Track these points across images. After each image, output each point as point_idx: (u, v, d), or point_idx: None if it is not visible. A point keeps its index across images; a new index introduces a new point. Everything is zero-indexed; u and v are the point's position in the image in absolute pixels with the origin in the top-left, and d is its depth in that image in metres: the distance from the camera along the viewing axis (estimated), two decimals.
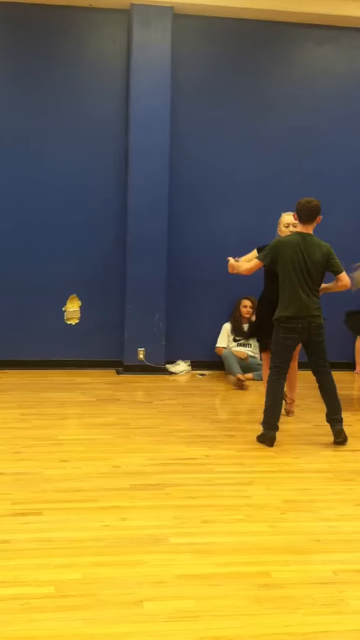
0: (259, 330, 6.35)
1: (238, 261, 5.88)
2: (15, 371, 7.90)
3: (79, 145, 8.18)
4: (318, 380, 5.57)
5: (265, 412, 5.42)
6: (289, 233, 5.90)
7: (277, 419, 5.43)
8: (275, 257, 5.50)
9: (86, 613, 2.88)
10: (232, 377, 7.72)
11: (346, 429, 5.81)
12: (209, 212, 8.43)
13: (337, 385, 5.61)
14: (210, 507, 4.10)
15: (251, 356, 8.12)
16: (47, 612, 2.88)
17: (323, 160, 8.54)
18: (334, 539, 3.72)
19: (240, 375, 7.60)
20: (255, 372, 7.99)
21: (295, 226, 5.92)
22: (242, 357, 8.04)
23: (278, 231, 6.18)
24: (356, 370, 8.50)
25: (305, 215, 5.48)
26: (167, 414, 6.34)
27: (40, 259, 8.16)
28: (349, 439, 5.59)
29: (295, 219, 5.59)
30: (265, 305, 6.07)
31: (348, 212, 8.60)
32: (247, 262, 5.84)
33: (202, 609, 2.93)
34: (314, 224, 5.53)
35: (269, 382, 5.54)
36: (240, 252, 8.37)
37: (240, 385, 7.50)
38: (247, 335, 7.86)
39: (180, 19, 8.08)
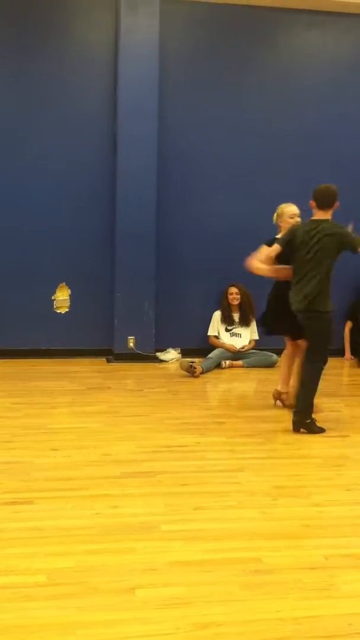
0: (277, 323, 6.08)
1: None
2: (4, 360, 7.88)
3: (67, 133, 8.13)
4: None
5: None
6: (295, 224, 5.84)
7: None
8: (287, 242, 5.51)
9: (78, 601, 2.88)
10: (184, 362, 7.59)
11: (335, 414, 5.85)
12: (198, 199, 8.42)
13: (327, 371, 5.63)
14: (201, 493, 4.11)
15: (240, 349, 8.11)
16: (39, 601, 2.88)
17: (311, 147, 8.53)
18: (325, 524, 3.74)
19: (193, 362, 7.50)
20: (245, 360, 8.01)
21: (299, 216, 5.94)
22: (232, 351, 8.06)
23: (280, 223, 6.07)
24: (345, 357, 8.53)
25: (326, 201, 5.48)
26: (158, 402, 6.34)
27: (29, 248, 8.13)
28: (338, 424, 5.62)
29: (313, 207, 5.52)
30: (282, 296, 5.78)
31: None
32: (264, 255, 5.72)
33: (193, 596, 2.94)
34: (332, 210, 5.50)
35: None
36: (228, 239, 8.41)
37: (191, 372, 7.44)
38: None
39: (168, 5, 8.02)
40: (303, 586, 3.05)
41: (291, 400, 5.89)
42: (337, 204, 5.51)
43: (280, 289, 5.84)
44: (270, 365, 7.98)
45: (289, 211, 6.06)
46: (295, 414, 5.44)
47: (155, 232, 8.13)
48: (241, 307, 8.24)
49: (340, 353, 8.53)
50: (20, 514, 3.78)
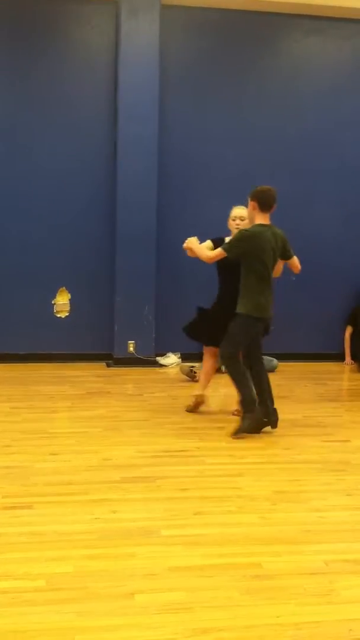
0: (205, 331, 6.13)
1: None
2: (4, 364, 7.87)
3: (67, 137, 8.13)
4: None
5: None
6: (236, 226, 5.82)
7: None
8: (244, 250, 5.39)
9: (77, 606, 2.87)
10: (184, 367, 7.62)
11: (336, 419, 5.85)
12: (198, 203, 8.42)
13: (328, 376, 5.63)
14: (201, 498, 4.10)
15: None
16: (38, 606, 2.87)
17: (311, 152, 8.54)
18: (325, 529, 3.73)
19: (193, 367, 7.51)
20: None
21: (243, 219, 5.84)
22: None
23: (228, 224, 6.07)
24: (345, 361, 8.52)
25: (268, 203, 5.38)
26: (158, 407, 6.33)
27: (29, 252, 8.13)
28: (339, 430, 5.62)
29: (254, 208, 5.43)
30: (227, 305, 5.71)
31: (335, 204, 8.62)
32: (210, 250, 5.73)
33: (193, 601, 2.93)
34: (271, 213, 5.46)
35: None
36: None
37: (192, 377, 7.44)
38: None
39: (168, 10, 8.04)
40: (303, 591, 3.04)
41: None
42: (275, 206, 5.45)
43: (225, 301, 5.82)
44: (271, 369, 7.96)
45: (232, 213, 6.03)
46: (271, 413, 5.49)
47: (155, 236, 8.13)
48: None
49: (340, 358, 8.53)
50: (20, 518, 3.77)
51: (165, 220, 8.24)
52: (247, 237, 5.42)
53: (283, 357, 8.24)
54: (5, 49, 7.97)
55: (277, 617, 2.83)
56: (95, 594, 2.97)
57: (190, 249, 5.83)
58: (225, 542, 3.52)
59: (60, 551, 3.37)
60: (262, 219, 5.44)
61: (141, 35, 7.93)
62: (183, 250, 6.01)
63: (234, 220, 5.96)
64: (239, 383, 5.49)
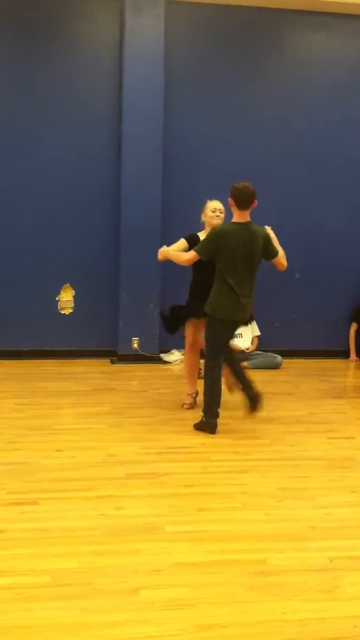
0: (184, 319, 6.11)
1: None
2: (9, 361, 7.88)
3: (72, 133, 8.12)
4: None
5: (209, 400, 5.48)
6: (216, 218, 5.82)
7: (218, 406, 5.48)
8: (215, 250, 5.36)
9: (82, 602, 2.88)
10: None
11: (341, 416, 5.84)
12: (203, 200, 8.35)
13: (333, 373, 5.63)
14: (206, 495, 4.10)
15: (245, 349, 8.11)
16: (43, 602, 2.88)
17: (317, 148, 8.51)
18: (329, 526, 3.73)
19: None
20: (250, 361, 8.00)
21: (222, 212, 5.85)
22: (237, 351, 8.05)
23: (203, 217, 6.05)
24: (350, 358, 8.51)
25: (245, 200, 5.33)
26: (162, 403, 6.33)
27: (33, 248, 8.12)
28: (344, 427, 5.61)
29: (231, 205, 5.41)
30: (198, 297, 5.74)
31: (340, 200, 8.60)
32: (185, 253, 5.69)
33: (198, 597, 2.94)
34: (250, 210, 5.41)
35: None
36: None
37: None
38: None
39: (173, 6, 8.01)
40: (308, 588, 3.04)
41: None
42: (255, 202, 5.40)
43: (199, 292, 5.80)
44: (276, 366, 7.97)
45: (211, 205, 6.01)
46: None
47: (160, 232, 8.12)
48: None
49: (345, 355, 8.52)
50: (25, 514, 3.78)
51: (170, 217, 8.22)
52: (217, 237, 5.38)
53: (287, 353, 8.23)
54: (9, 46, 7.96)
55: (282, 613, 2.84)
56: (100, 590, 2.97)
57: (162, 253, 5.83)
58: (229, 539, 3.53)
59: (65, 547, 3.38)
60: (239, 217, 5.40)
61: (146, 31, 7.91)
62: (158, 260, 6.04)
63: (213, 212, 5.94)
64: (208, 392, 5.47)
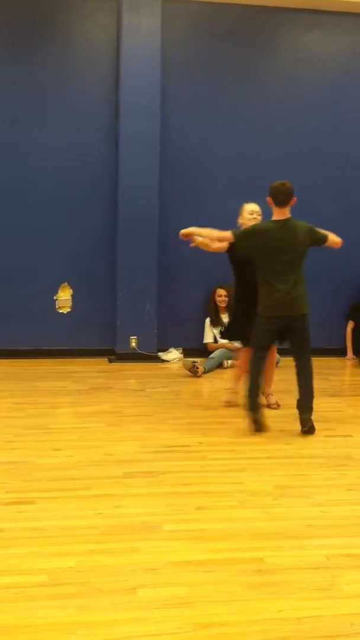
0: (239, 331, 6.11)
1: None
2: (7, 360, 7.88)
3: (69, 133, 8.13)
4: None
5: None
6: (253, 221, 5.83)
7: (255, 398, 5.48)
8: (251, 245, 5.40)
9: (80, 601, 2.88)
10: (186, 362, 7.60)
11: (338, 414, 5.84)
12: (200, 199, 8.41)
13: (330, 371, 5.63)
14: (204, 493, 4.10)
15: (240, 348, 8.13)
16: (41, 601, 2.88)
17: (313, 146, 8.52)
18: (327, 524, 3.73)
19: (195, 362, 7.50)
20: None
21: (260, 215, 5.88)
22: (234, 350, 8.06)
23: (240, 220, 6.04)
24: (347, 356, 8.52)
25: (281, 197, 5.35)
26: (160, 402, 6.34)
27: (31, 247, 8.13)
28: (341, 425, 5.62)
29: (270, 203, 5.43)
30: (245, 301, 5.83)
31: (336, 198, 8.61)
32: (219, 231, 5.67)
33: (195, 595, 2.94)
34: (289, 207, 5.42)
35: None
36: None
37: (194, 372, 7.44)
38: (225, 337, 7.19)
39: (169, 5, 8.02)
40: (305, 586, 3.05)
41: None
42: (294, 199, 5.41)
43: (243, 297, 5.86)
44: None
45: (248, 208, 6.02)
46: (308, 415, 5.41)
47: (157, 231, 8.13)
48: (228, 308, 8.26)
49: (342, 353, 8.53)
50: (23, 513, 3.78)
51: (168, 216, 8.22)
52: (254, 232, 5.46)
53: (285, 352, 8.22)
54: (6, 44, 7.96)
55: (279, 611, 2.84)
56: (98, 589, 2.97)
57: (191, 234, 5.72)
58: (227, 537, 3.53)
59: (62, 546, 3.38)
60: (277, 214, 5.42)
61: (142, 29, 7.91)
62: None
63: (251, 214, 5.94)
64: (248, 384, 5.48)
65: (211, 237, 5.69)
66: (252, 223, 5.81)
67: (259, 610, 2.85)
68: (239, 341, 6.28)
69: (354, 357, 8.51)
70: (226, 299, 8.21)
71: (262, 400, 6.05)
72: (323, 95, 8.54)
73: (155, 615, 2.79)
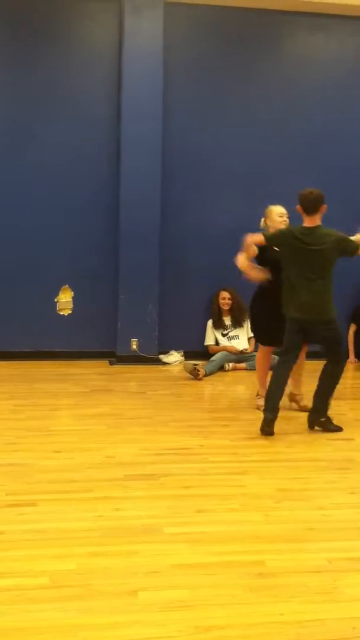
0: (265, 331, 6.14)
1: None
2: (7, 362, 7.87)
3: (71, 134, 8.13)
4: None
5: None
6: (283, 223, 5.87)
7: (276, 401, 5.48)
8: (279, 244, 5.47)
9: (80, 603, 2.87)
10: (187, 365, 7.57)
11: (339, 417, 5.82)
12: (202, 201, 8.41)
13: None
14: (205, 496, 4.09)
15: (243, 350, 8.12)
16: (42, 603, 2.87)
17: (316, 148, 8.52)
18: (328, 528, 3.72)
19: (196, 365, 7.47)
20: (248, 362, 7.99)
21: (287, 217, 5.93)
22: (235, 352, 8.06)
23: (268, 222, 6.04)
24: (349, 359, 8.50)
25: (310, 205, 5.38)
26: (161, 404, 6.33)
27: (32, 249, 8.12)
28: (343, 427, 5.60)
29: (300, 211, 5.47)
30: (266, 302, 5.91)
31: (341, 200, 8.56)
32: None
33: (196, 599, 2.93)
34: (320, 215, 5.43)
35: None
36: (232, 241, 8.39)
37: (195, 375, 7.42)
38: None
39: (172, 7, 8.03)
40: (307, 590, 3.03)
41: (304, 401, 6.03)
42: (324, 207, 5.43)
43: (267, 298, 5.87)
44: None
45: (277, 210, 6.03)
46: (311, 412, 5.53)
47: (159, 234, 8.13)
48: (231, 311, 8.25)
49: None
50: (23, 516, 3.77)
51: (169, 218, 8.23)
52: (283, 234, 5.52)
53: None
54: (8, 46, 7.97)
55: (280, 615, 2.83)
56: (99, 592, 2.96)
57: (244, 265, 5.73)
58: (228, 540, 3.52)
59: (63, 549, 3.37)
60: (307, 222, 5.44)
61: (145, 32, 7.92)
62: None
63: (281, 217, 5.97)
64: (271, 383, 5.51)
65: (247, 242, 5.64)
66: (282, 226, 5.84)
67: (260, 614, 2.84)
68: (265, 342, 6.22)
69: (356, 360, 8.50)
70: (230, 301, 8.21)
71: (294, 403, 6.14)
72: (325, 97, 8.54)
73: (156, 618, 2.78)
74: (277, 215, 6.00)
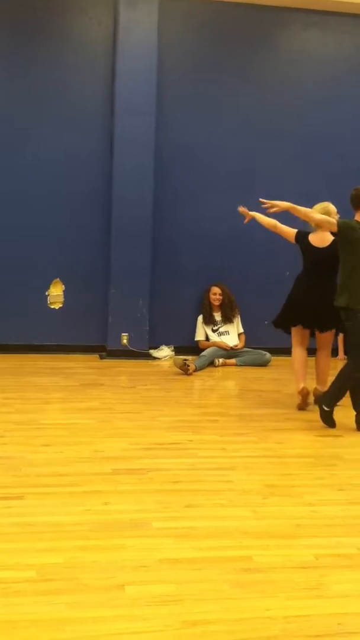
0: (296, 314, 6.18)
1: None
2: None
3: (64, 130, 8.11)
4: None
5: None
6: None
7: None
8: (348, 235, 5.49)
9: (68, 597, 2.87)
10: (177, 360, 7.56)
11: None
12: (194, 198, 8.41)
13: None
14: (193, 491, 4.10)
15: (233, 347, 8.12)
16: (29, 597, 2.87)
17: (310, 146, 8.53)
18: (316, 524, 3.74)
19: (186, 360, 7.47)
20: (238, 358, 8.01)
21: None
22: (226, 348, 8.06)
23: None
24: (339, 356, 8.52)
25: (353, 202, 5.59)
26: (150, 399, 6.33)
27: (25, 244, 8.10)
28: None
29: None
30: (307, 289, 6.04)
31: (333, 199, 8.55)
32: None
33: (183, 593, 2.94)
34: None
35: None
36: (224, 239, 8.42)
37: (185, 370, 7.42)
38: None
39: (167, 2, 8.01)
40: (293, 585, 3.05)
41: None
42: None
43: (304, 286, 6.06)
44: (264, 364, 7.99)
45: (333, 208, 6.10)
46: (324, 394, 5.57)
47: (151, 229, 8.12)
48: (222, 307, 8.25)
49: (334, 353, 8.51)
50: (11, 509, 3.77)
51: (161, 214, 8.23)
52: (351, 227, 5.53)
53: (276, 351, 8.24)
54: (1, 40, 7.92)
55: (267, 610, 2.84)
56: (86, 585, 2.97)
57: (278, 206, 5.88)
58: (216, 535, 3.53)
59: (51, 542, 3.37)
60: (357, 217, 5.57)
61: (139, 27, 7.90)
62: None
63: (338, 215, 6.05)
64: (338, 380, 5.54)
65: (312, 218, 5.80)
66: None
67: (247, 609, 2.85)
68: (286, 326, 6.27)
69: (345, 357, 8.50)
70: (220, 297, 8.22)
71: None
72: (321, 95, 8.55)
73: (143, 612, 2.78)
74: (335, 214, 6.03)
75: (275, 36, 8.50)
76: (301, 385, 6.01)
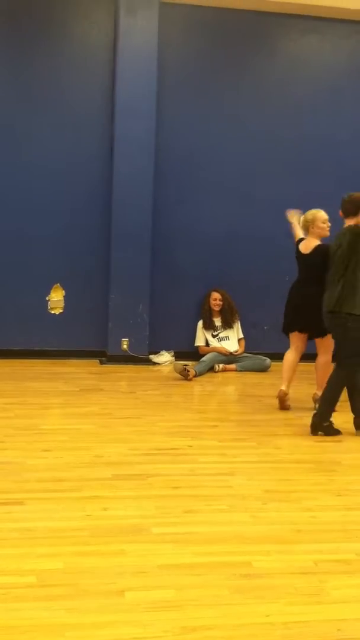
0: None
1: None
2: None
3: (64, 134, 8.13)
4: None
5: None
6: (327, 230, 6.05)
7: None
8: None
9: (68, 603, 2.88)
10: (177, 365, 7.56)
11: None
12: (194, 201, 8.42)
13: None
14: (193, 497, 4.10)
15: (233, 352, 8.13)
16: (29, 602, 2.87)
17: (309, 152, 8.55)
18: (315, 529, 3.74)
19: (186, 365, 7.48)
20: (238, 364, 8.02)
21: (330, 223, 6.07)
22: (226, 354, 8.07)
23: (311, 228, 6.12)
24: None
25: (342, 209, 5.56)
26: (150, 405, 6.34)
27: (25, 248, 8.11)
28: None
29: (341, 216, 5.59)
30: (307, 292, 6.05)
31: (331, 203, 8.56)
32: None
33: (183, 599, 2.94)
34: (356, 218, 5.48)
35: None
36: (223, 243, 8.43)
37: (185, 375, 7.42)
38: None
39: (167, 7, 8.04)
40: (293, 591, 3.05)
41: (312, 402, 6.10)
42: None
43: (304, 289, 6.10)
44: (264, 369, 8.00)
45: (322, 216, 6.13)
46: (315, 416, 5.50)
47: (150, 234, 8.14)
48: (222, 312, 8.26)
49: (334, 358, 8.52)
50: (11, 514, 3.77)
51: (161, 218, 8.24)
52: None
53: (276, 356, 8.24)
54: (2, 44, 7.95)
55: (267, 616, 2.84)
56: (86, 591, 2.97)
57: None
58: (215, 541, 3.53)
59: (51, 548, 3.37)
60: (346, 223, 5.60)
61: (139, 32, 7.93)
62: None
63: (324, 223, 6.11)
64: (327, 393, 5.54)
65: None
66: (327, 232, 6.04)
67: (247, 615, 2.85)
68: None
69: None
70: (221, 302, 8.23)
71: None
72: (319, 100, 8.57)
73: (142, 618, 2.79)
74: (321, 222, 6.06)
75: (273, 42, 8.52)
76: (280, 388, 6.14)
